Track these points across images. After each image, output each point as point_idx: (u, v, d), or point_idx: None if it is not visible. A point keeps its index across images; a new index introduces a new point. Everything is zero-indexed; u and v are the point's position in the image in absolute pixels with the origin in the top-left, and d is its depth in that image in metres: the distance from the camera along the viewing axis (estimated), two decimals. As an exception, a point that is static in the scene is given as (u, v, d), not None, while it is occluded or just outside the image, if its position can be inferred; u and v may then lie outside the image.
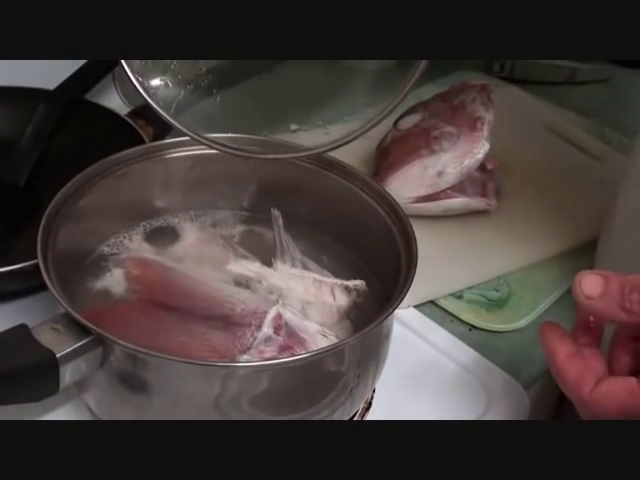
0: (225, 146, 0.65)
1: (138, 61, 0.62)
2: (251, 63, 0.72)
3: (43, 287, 0.57)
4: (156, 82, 0.64)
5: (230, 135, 0.68)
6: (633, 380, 0.48)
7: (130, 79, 0.61)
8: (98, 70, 0.90)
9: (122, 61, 0.60)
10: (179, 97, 0.66)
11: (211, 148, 0.65)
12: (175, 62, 0.66)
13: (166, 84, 0.65)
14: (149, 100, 0.62)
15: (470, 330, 0.76)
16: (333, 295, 0.66)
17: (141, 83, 0.62)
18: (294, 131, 0.86)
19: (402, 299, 0.58)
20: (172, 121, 0.63)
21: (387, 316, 0.58)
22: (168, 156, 0.70)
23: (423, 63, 0.57)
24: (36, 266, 0.58)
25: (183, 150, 0.70)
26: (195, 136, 0.64)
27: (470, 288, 0.79)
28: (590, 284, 0.49)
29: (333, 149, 0.63)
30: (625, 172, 0.73)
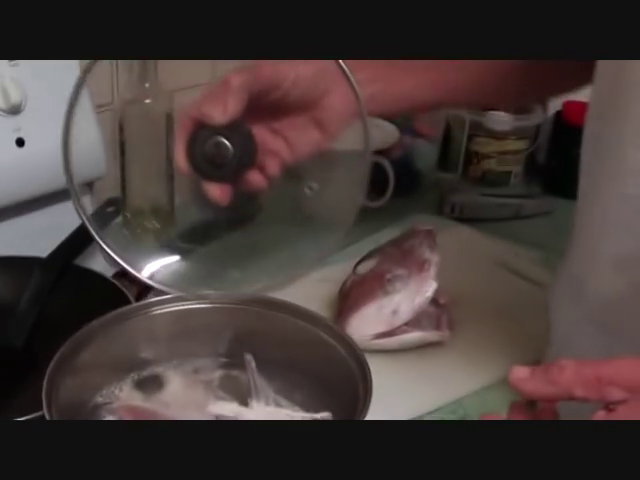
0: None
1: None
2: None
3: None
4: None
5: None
6: None
7: (106, 251, 0.69)
8: (85, 237, 0.97)
9: (98, 239, 0.68)
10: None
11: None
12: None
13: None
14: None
15: (431, 452, 0.82)
16: (304, 428, 0.73)
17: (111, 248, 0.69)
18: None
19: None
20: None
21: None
22: (153, 313, 0.78)
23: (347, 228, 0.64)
24: (41, 418, 0.65)
25: (166, 307, 0.79)
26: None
27: (429, 413, 0.85)
28: (521, 370, 0.59)
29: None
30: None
